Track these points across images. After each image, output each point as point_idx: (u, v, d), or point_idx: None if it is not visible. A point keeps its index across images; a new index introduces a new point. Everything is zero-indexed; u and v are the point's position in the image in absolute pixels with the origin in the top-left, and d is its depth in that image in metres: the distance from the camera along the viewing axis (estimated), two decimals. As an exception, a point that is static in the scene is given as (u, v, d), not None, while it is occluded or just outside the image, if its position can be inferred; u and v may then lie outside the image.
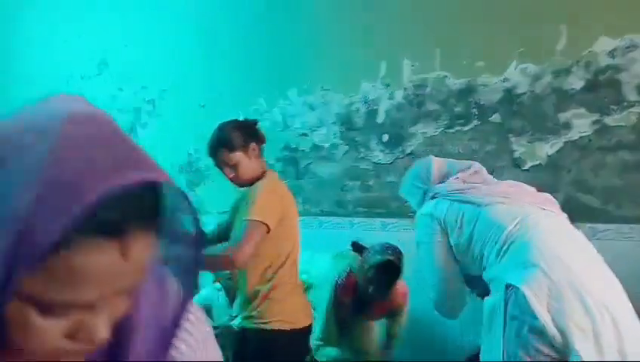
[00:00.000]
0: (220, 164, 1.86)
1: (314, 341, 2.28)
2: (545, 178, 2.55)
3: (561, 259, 1.38)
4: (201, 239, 0.53)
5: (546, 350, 1.30)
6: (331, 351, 2.35)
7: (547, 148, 2.58)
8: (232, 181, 1.87)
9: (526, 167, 2.62)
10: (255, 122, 1.97)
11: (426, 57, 2.85)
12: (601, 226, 2.40)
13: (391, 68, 2.96)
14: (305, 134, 3.27)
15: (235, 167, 1.83)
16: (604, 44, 2.46)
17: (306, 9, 3.20)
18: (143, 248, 0.46)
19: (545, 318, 1.30)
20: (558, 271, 1.36)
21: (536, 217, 1.50)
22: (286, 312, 1.83)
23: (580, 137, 2.50)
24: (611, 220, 2.42)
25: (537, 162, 2.59)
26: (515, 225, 1.48)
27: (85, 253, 0.42)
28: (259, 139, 1.92)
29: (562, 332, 1.29)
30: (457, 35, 2.76)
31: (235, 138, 1.84)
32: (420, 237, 1.73)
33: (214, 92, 3.52)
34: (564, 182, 2.52)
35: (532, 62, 2.61)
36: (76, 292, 0.44)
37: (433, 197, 1.73)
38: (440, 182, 1.78)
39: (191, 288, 0.55)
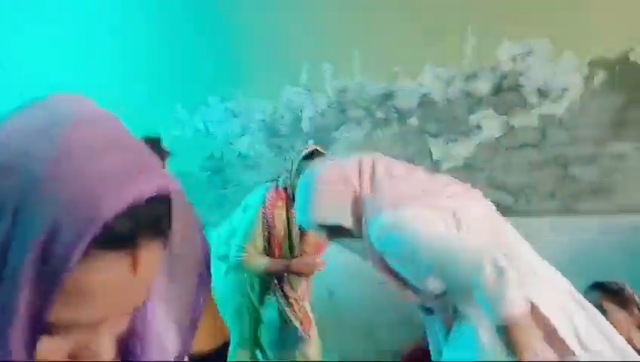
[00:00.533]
0: None
1: (235, 255, 2.18)
2: (462, 178, 2.71)
3: (553, 269, 1.40)
4: (208, 274, 0.50)
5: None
6: (261, 263, 2.20)
7: (461, 149, 2.75)
8: None
9: (444, 168, 2.77)
10: (159, 138, 1.93)
11: (346, 61, 2.93)
12: (513, 220, 2.59)
13: (312, 74, 3.00)
14: (229, 142, 3.22)
15: None
16: (506, 51, 2.66)
17: (223, 14, 3.15)
18: (152, 262, 0.43)
19: (560, 329, 1.25)
20: (558, 281, 1.37)
21: (501, 220, 1.45)
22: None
23: (490, 138, 2.70)
24: (523, 214, 2.64)
25: (454, 163, 2.76)
26: (495, 231, 1.39)
27: (94, 269, 0.39)
28: (166, 155, 1.89)
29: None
30: (375, 40, 2.86)
31: None
32: (407, 222, 1.30)
33: (130, 101, 3.36)
34: (478, 181, 2.70)
35: (444, 67, 2.76)
36: (82, 310, 0.40)
37: (396, 205, 1.34)
38: (372, 185, 1.42)
39: (188, 346, 0.52)
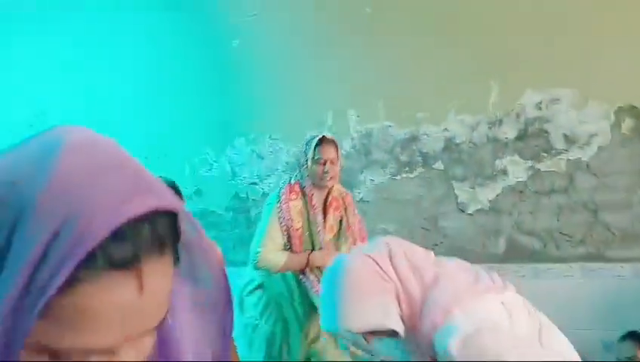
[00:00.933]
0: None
1: (254, 251, 2.13)
2: (488, 221, 2.69)
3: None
4: (228, 289, 0.49)
5: None
6: (280, 258, 2.13)
7: (488, 193, 2.73)
8: None
9: (470, 212, 2.75)
10: (173, 182, 1.99)
11: (370, 108, 2.98)
12: (542, 266, 2.55)
13: (337, 118, 3.06)
14: (254, 183, 3.26)
15: None
16: (530, 98, 2.69)
17: (252, 59, 3.27)
18: (160, 279, 0.42)
19: None
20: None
21: (524, 299, 1.32)
22: None
23: (517, 182, 2.68)
24: (552, 260, 2.58)
25: (480, 206, 2.74)
26: (531, 314, 1.25)
27: (96, 292, 0.38)
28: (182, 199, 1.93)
29: None
30: (398, 88, 2.92)
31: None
32: (485, 335, 1.13)
33: (159, 142, 3.46)
34: (506, 225, 2.67)
35: (468, 113, 2.79)
36: (91, 336, 0.39)
37: (462, 306, 1.17)
38: (415, 277, 1.24)
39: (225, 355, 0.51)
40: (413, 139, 2.89)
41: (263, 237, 2.14)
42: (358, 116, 3.02)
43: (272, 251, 2.13)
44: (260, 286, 2.23)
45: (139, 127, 3.57)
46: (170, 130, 3.47)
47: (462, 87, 2.78)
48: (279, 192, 2.22)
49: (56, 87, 3.81)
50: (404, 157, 2.91)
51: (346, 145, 3.04)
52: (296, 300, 2.19)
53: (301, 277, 2.17)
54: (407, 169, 2.90)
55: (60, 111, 3.82)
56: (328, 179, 2.15)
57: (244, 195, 3.29)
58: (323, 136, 2.20)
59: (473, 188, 2.76)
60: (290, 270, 2.16)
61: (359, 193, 2.99)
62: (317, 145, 2.15)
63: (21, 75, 3.90)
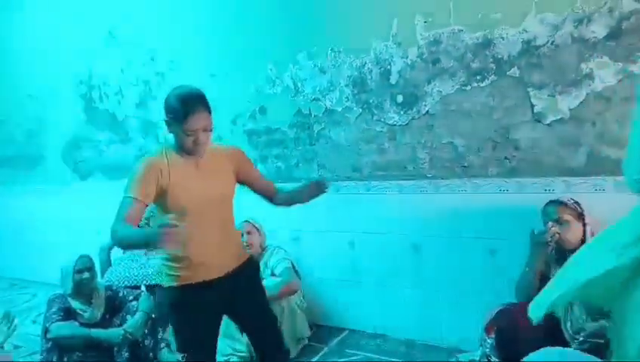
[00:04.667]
0: (200, 125, 1.69)
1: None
2: (568, 132, 2.48)
3: None
4: None
5: None
6: None
7: (569, 101, 2.48)
8: (195, 149, 1.73)
9: (547, 122, 2.53)
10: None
11: (440, 12, 2.74)
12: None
13: (403, 25, 2.85)
14: (317, 99, 3.20)
15: (208, 134, 1.73)
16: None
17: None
18: None
19: None
20: None
21: None
22: None
23: (604, 88, 2.40)
24: (638, 173, 2.35)
25: (559, 116, 2.50)
26: None
27: None
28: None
29: None
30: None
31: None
32: None
33: (224, 61, 3.46)
34: (587, 135, 2.44)
35: (551, 11, 2.48)
36: None
37: None
38: None
39: None
40: (487, 43, 2.64)
41: None
42: (425, 21, 2.79)
43: None
44: None
45: (202, 45, 3.57)
46: (234, 47, 3.44)
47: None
48: None
49: (122, 8, 3.86)
50: (475, 65, 2.69)
51: (412, 55, 2.85)
52: None
53: None
54: (478, 77, 2.69)
55: (128, 31, 3.90)
56: None
57: (306, 111, 3.25)
58: None
59: (553, 95, 2.51)
60: None
61: (425, 106, 2.84)
62: None
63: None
